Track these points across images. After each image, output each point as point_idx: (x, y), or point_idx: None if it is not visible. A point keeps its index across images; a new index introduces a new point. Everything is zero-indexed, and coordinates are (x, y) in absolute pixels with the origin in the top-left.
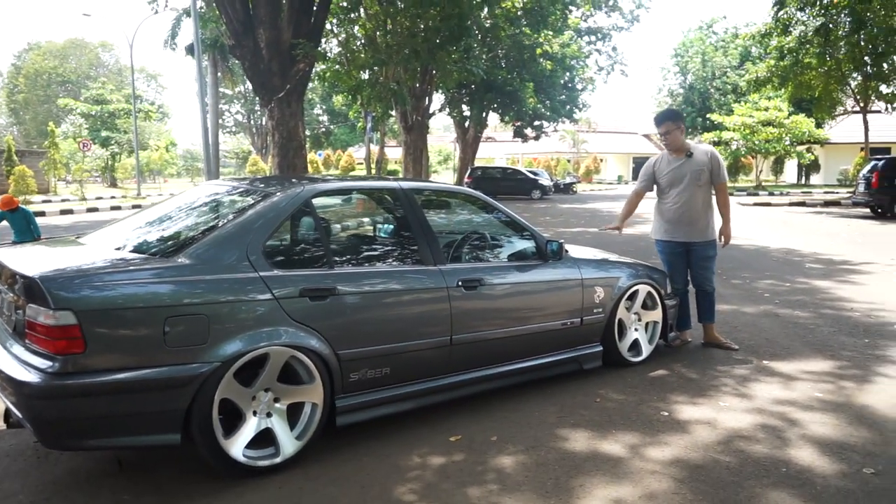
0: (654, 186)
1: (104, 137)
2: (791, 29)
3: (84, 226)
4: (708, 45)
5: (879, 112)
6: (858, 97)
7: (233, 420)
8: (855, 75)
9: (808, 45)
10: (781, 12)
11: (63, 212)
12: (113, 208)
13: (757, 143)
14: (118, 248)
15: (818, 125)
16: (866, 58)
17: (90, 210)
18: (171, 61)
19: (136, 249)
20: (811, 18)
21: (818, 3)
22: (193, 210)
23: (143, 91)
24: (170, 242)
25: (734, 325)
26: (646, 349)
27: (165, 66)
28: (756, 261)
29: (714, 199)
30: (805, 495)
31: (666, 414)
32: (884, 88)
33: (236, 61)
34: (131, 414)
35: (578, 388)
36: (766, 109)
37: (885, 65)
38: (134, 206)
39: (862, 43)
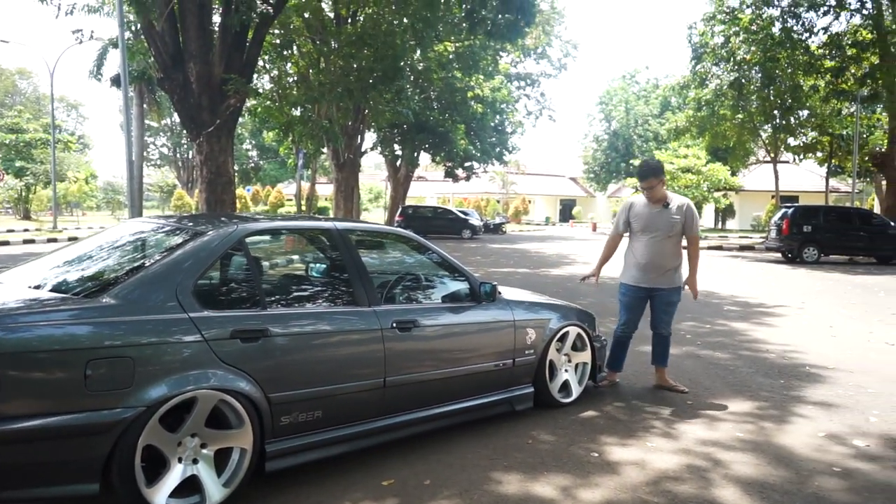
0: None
1: (18, 168)
2: (707, 82)
3: None
4: (631, 94)
5: (788, 163)
6: (769, 148)
7: (156, 467)
8: (766, 127)
9: (723, 98)
10: (699, 66)
11: None
12: (26, 241)
13: (677, 188)
14: (36, 287)
15: (733, 173)
16: (776, 111)
17: (0, 244)
18: (95, 91)
19: (56, 289)
20: (726, 73)
21: (732, 59)
22: (118, 248)
23: (63, 121)
24: (93, 282)
25: None
26: (576, 390)
27: (88, 96)
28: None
29: (684, 249)
30: None
31: (596, 455)
32: (791, 141)
33: (163, 93)
34: (46, 463)
35: (511, 430)
36: (686, 157)
37: (792, 119)
38: (49, 240)
39: (772, 98)
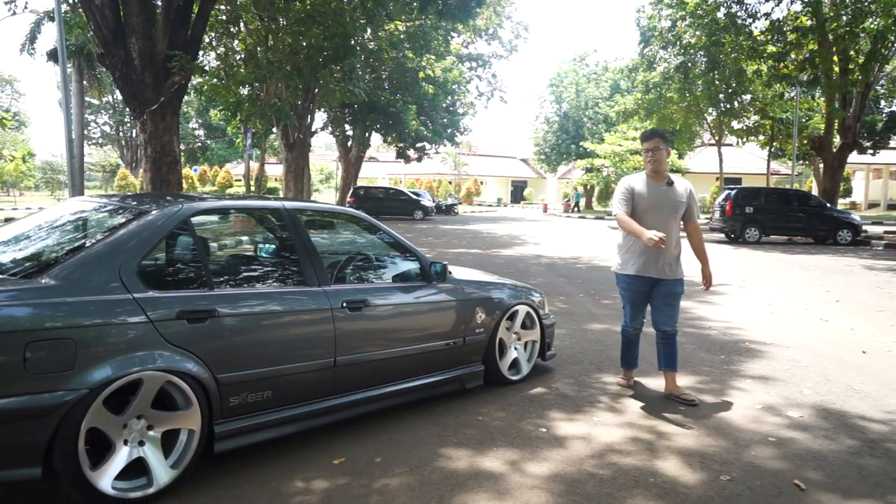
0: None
1: None
2: (655, 65)
3: None
4: (581, 77)
5: (731, 146)
6: (714, 131)
7: (101, 450)
8: (711, 111)
9: (670, 81)
10: (647, 49)
11: None
12: None
13: (626, 170)
14: None
15: (679, 155)
16: (720, 95)
17: None
18: (31, 67)
19: None
20: (673, 56)
21: (678, 42)
22: (59, 228)
23: None
24: (31, 262)
25: (606, 344)
26: (525, 368)
27: (24, 72)
28: None
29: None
30: (670, 503)
31: (544, 430)
32: (735, 124)
33: (105, 70)
34: None
35: (461, 408)
36: (634, 139)
37: (735, 103)
38: None
39: (716, 82)
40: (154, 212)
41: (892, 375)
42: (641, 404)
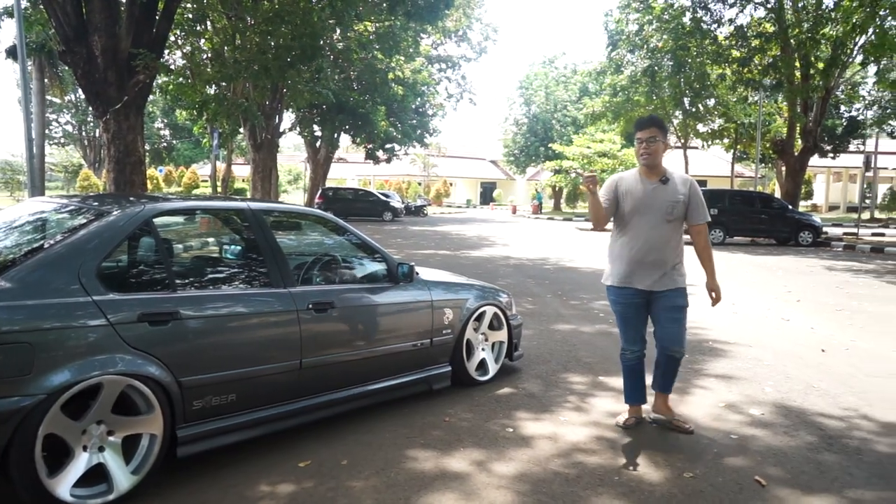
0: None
1: None
2: (623, 68)
3: None
4: (550, 80)
5: (697, 148)
6: (679, 134)
7: (59, 457)
8: (677, 114)
9: (637, 84)
10: (615, 53)
11: None
12: None
13: (593, 172)
14: None
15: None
16: (686, 99)
17: None
18: None
19: None
20: (640, 60)
21: (645, 46)
22: (17, 229)
23: None
24: None
25: (573, 344)
26: (492, 368)
27: None
28: (593, 283)
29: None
30: (634, 500)
31: (511, 430)
32: (700, 127)
33: (67, 68)
34: None
35: (428, 409)
36: (602, 141)
37: (700, 106)
38: None
39: (682, 85)
40: (115, 212)
41: (850, 373)
42: (607, 403)
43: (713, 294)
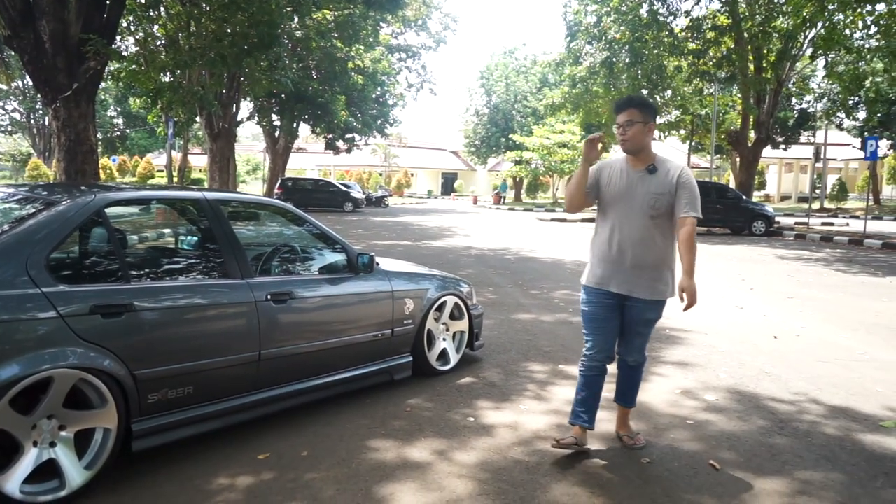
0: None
1: None
2: (582, 60)
3: None
4: (510, 70)
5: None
6: None
7: (9, 453)
8: None
9: (596, 76)
10: (573, 44)
11: None
12: None
13: (554, 162)
14: None
15: (605, 149)
16: (643, 90)
17: None
18: None
19: None
20: (598, 51)
21: (603, 38)
22: None
23: None
24: None
25: (534, 333)
26: (453, 358)
27: None
28: (553, 272)
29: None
30: (593, 486)
31: (472, 419)
32: (657, 119)
33: (13, 53)
34: None
35: (389, 399)
36: (562, 132)
37: (657, 98)
38: None
39: (639, 77)
40: (65, 202)
41: (800, 359)
42: (567, 392)
43: (684, 295)
